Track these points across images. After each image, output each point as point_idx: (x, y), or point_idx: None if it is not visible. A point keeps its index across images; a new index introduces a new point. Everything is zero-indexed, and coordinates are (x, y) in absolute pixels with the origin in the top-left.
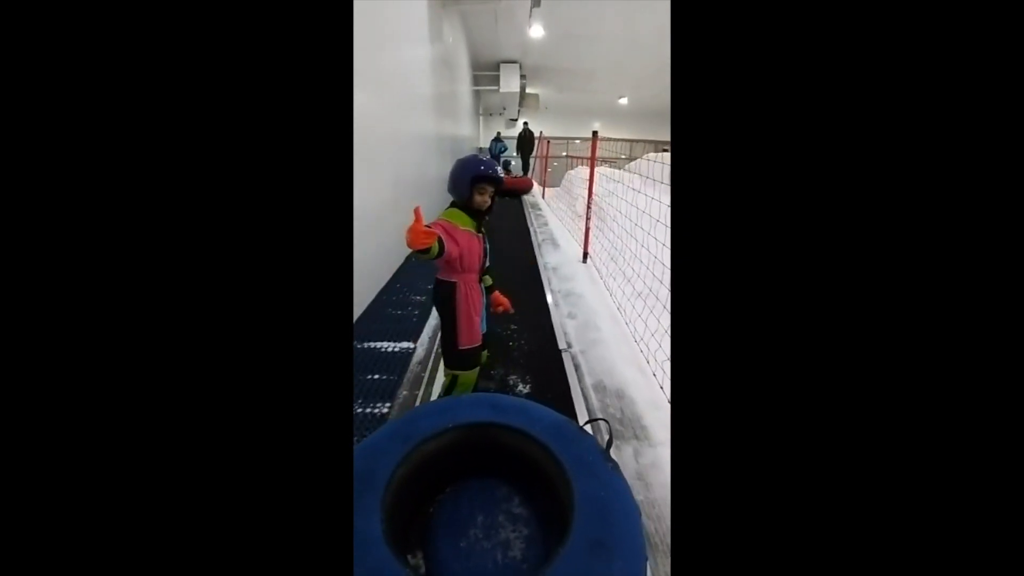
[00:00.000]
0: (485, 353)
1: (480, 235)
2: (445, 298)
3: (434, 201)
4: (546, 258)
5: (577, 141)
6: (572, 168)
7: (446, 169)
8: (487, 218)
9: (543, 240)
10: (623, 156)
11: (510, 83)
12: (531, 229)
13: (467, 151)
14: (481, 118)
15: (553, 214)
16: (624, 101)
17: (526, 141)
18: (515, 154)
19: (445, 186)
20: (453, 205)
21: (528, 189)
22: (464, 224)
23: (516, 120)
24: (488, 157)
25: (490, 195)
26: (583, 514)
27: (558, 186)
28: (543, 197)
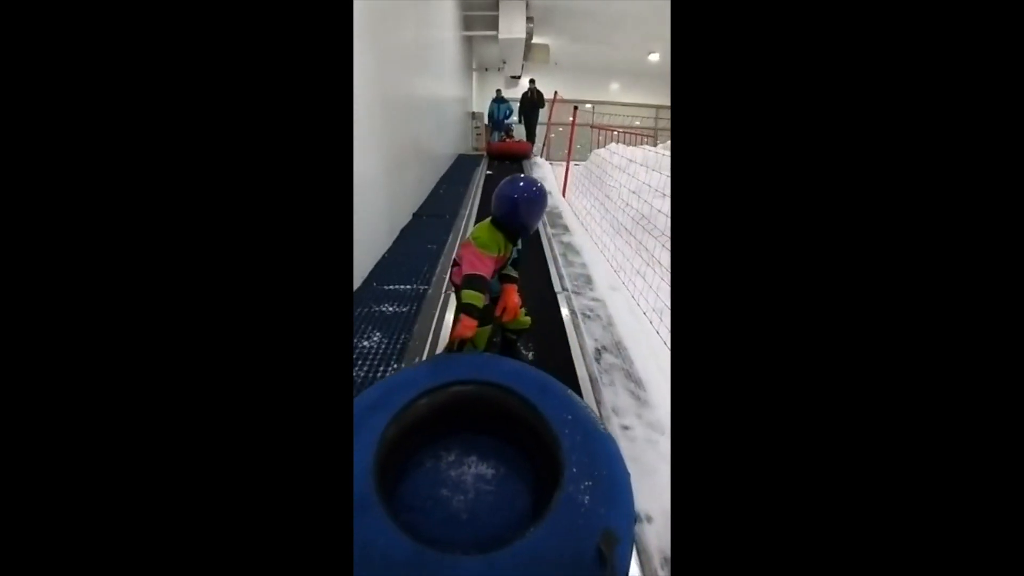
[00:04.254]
0: (526, 317)
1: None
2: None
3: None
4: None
5: (588, 106)
6: (603, 145)
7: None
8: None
9: (599, 354)
10: (638, 122)
11: (513, 27)
12: (561, 301)
13: (456, 117)
14: (475, 75)
15: (595, 243)
16: (655, 57)
17: (533, 105)
18: (518, 120)
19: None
20: (494, 223)
21: (526, 153)
22: (497, 250)
23: (519, 78)
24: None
25: None
26: (565, 438)
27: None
28: (563, 195)
